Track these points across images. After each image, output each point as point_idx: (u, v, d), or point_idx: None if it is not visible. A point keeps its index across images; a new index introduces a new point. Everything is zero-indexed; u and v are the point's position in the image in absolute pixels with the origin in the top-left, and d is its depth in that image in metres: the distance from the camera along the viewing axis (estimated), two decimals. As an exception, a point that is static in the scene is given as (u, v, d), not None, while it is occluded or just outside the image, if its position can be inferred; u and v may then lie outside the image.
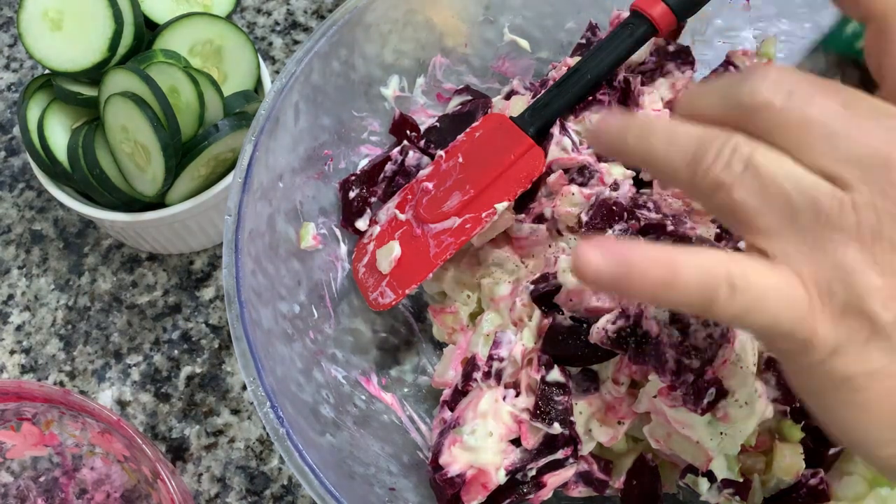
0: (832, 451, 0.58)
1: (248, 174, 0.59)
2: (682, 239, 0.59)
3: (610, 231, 0.60)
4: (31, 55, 0.73)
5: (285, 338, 0.61)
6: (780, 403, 0.56)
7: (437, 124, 0.72)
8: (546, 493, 0.60)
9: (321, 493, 0.51)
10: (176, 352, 0.78)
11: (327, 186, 0.69)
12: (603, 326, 0.56)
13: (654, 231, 0.60)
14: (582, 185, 0.64)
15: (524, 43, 0.74)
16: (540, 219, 0.65)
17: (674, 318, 0.54)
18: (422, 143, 0.72)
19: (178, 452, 0.74)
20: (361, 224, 0.69)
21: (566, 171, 0.65)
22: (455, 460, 0.58)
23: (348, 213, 0.70)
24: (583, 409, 0.59)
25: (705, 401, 0.53)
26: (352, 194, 0.70)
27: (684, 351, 0.53)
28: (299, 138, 0.65)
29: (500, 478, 0.58)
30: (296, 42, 0.95)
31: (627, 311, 0.55)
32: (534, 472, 0.59)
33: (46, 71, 0.75)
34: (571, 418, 0.58)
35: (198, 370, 0.77)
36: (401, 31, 0.70)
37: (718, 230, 0.63)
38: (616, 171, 0.65)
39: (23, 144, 0.82)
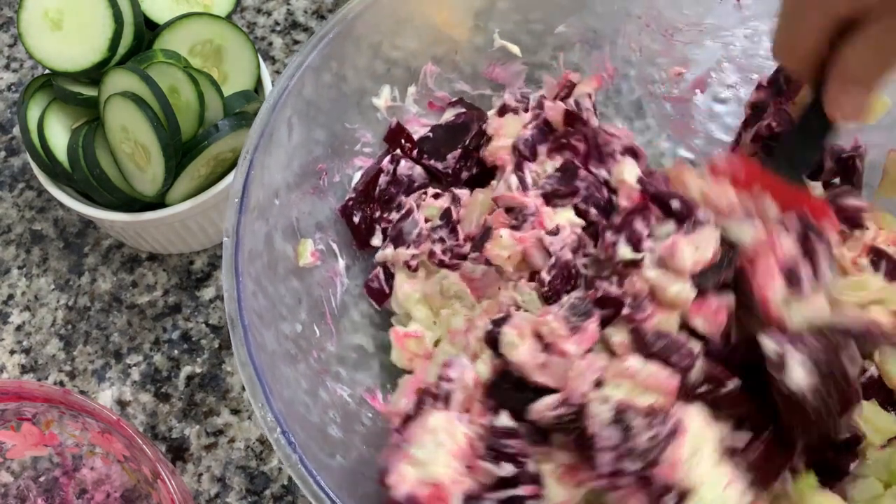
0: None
1: (244, 193, 0.58)
2: (634, 329, 0.55)
3: (566, 297, 0.57)
4: (31, 55, 0.73)
5: (289, 359, 0.60)
6: (757, 486, 0.52)
7: (430, 135, 0.72)
8: None
9: None
10: (176, 352, 0.78)
11: (322, 201, 0.69)
12: (543, 409, 0.54)
13: (609, 305, 0.56)
14: (514, 228, 0.63)
15: (514, 48, 0.74)
16: (489, 261, 0.64)
17: (617, 419, 0.51)
18: (414, 153, 0.72)
19: (178, 452, 0.74)
20: (376, 241, 0.69)
21: (509, 210, 0.64)
22: (404, 479, 0.55)
23: (359, 236, 0.70)
24: (541, 463, 0.56)
25: None
26: (356, 219, 0.69)
27: (622, 454, 0.50)
28: (293, 153, 0.65)
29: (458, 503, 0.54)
30: (296, 42, 0.95)
31: (571, 400, 0.53)
32: None
33: (46, 71, 0.75)
34: (525, 460, 0.55)
35: (198, 370, 0.77)
36: (391, 41, 0.70)
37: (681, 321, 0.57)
38: (561, 217, 0.63)
39: (23, 144, 0.82)
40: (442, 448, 0.55)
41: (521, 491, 0.55)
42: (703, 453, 0.51)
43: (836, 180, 0.67)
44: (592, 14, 0.73)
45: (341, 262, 0.69)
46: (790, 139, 0.56)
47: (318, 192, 0.68)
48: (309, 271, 0.66)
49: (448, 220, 0.68)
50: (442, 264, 0.67)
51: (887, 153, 0.66)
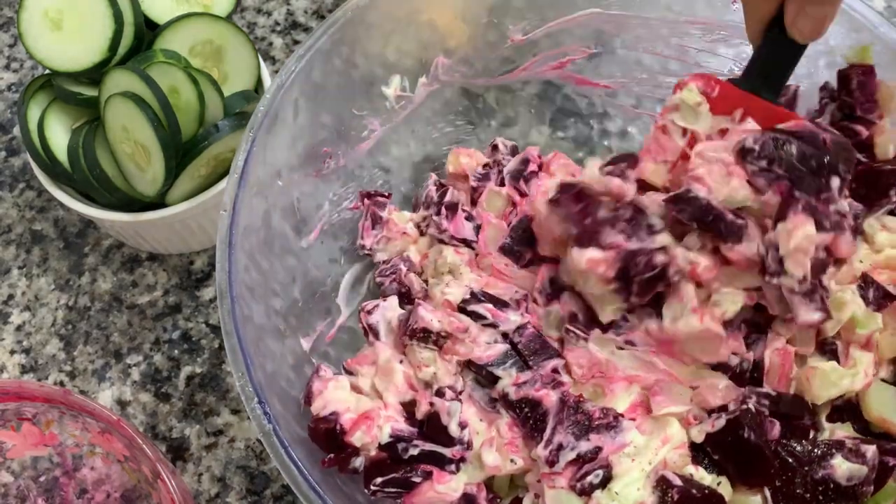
0: None
1: (244, 170, 0.59)
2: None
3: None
4: (32, 55, 0.73)
5: (277, 334, 0.61)
6: None
7: None
8: (421, 498, 0.58)
9: (305, 490, 0.51)
10: (176, 352, 0.78)
11: (326, 184, 0.69)
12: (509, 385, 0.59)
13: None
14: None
15: (527, 46, 0.74)
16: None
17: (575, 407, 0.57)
18: None
19: (178, 452, 0.73)
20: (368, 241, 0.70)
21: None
22: (333, 399, 0.58)
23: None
24: (481, 429, 0.60)
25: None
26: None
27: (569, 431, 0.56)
28: (298, 135, 0.65)
29: (384, 436, 0.58)
30: (296, 42, 0.95)
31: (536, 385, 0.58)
32: (416, 453, 0.58)
33: (46, 71, 0.75)
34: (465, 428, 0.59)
35: (198, 370, 0.77)
36: (404, 31, 0.70)
37: None
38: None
39: (23, 144, 0.82)
40: (383, 383, 0.60)
41: (448, 452, 0.58)
42: (639, 461, 0.55)
43: None
44: (606, 16, 0.73)
45: (341, 245, 0.70)
46: (758, 65, 0.58)
47: (322, 175, 0.68)
48: (306, 251, 0.66)
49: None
50: (441, 241, 0.69)
51: None
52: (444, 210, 0.69)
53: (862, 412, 0.58)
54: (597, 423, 0.56)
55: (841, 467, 0.54)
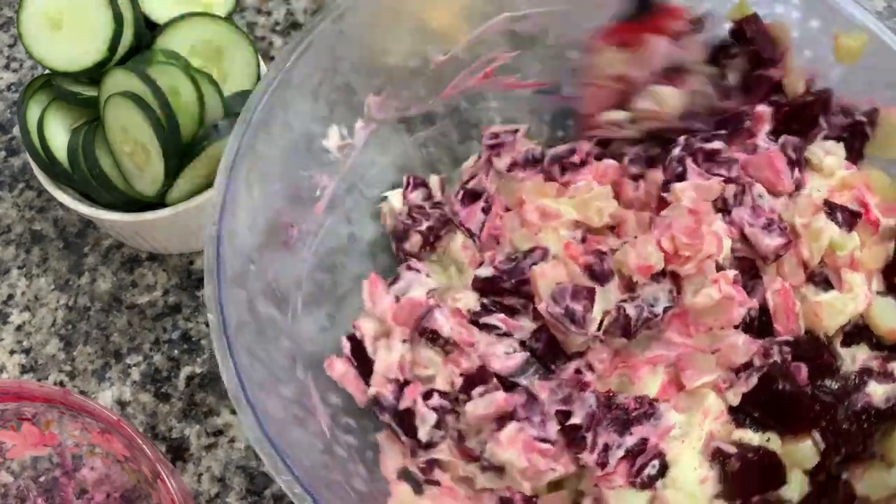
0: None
1: (219, 265, 0.56)
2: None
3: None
4: (31, 55, 0.73)
5: (297, 422, 0.59)
6: (727, 499, 0.55)
7: None
8: None
9: (301, 494, 0.50)
10: (176, 352, 0.78)
11: (294, 256, 0.66)
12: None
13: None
14: None
15: (450, 63, 0.72)
16: None
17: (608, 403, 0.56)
18: None
19: (178, 452, 0.74)
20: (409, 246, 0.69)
21: None
22: None
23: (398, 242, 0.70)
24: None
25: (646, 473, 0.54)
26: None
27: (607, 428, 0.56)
28: (256, 212, 0.62)
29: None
30: (296, 42, 0.95)
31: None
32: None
33: (46, 71, 0.75)
34: None
35: (198, 370, 0.77)
36: (331, 81, 0.68)
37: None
38: None
39: (22, 144, 0.82)
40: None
41: None
42: (688, 441, 0.55)
43: (844, 136, 0.66)
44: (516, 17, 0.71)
45: (324, 311, 0.68)
46: None
47: (289, 246, 0.65)
48: (297, 322, 0.64)
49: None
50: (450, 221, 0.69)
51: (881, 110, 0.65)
52: (463, 192, 0.68)
53: (872, 330, 0.60)
54: (634, 414, 0.55)
55: (877, 392, 0.56)
